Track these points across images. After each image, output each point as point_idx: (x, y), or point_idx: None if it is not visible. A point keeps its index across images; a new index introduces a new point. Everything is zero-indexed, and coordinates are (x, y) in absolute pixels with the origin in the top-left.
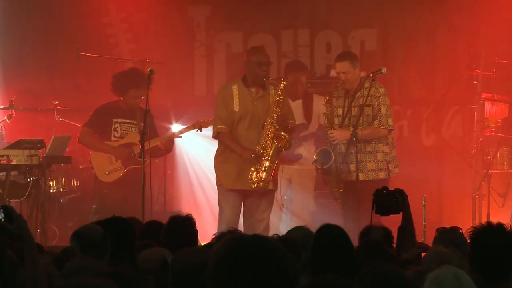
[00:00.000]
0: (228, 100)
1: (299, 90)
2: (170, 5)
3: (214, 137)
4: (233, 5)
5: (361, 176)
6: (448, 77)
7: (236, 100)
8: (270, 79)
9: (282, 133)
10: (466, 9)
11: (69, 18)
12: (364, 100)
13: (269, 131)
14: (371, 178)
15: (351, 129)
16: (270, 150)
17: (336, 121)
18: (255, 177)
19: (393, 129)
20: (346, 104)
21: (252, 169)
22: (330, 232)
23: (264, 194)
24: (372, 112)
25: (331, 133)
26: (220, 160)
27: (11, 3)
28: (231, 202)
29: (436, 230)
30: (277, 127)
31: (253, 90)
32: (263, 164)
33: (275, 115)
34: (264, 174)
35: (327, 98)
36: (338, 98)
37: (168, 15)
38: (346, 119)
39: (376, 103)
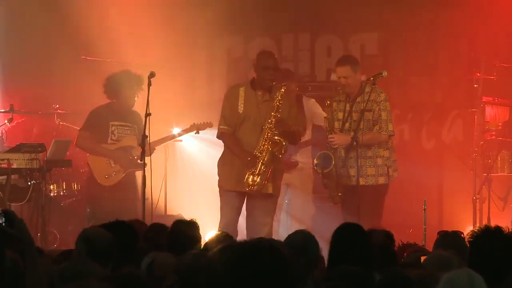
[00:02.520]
0: (233, 102)
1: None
2: (171, 9)
3: (218, 137)
4: (233, 9)
5: (361, 181)
6: (448, 81)
7: (241, 102)
8: (274, 84)
9: (276, 137)
10: (466, 13)
11: (70, 22)
12: (364, 105)
13: (267, 135)
14: (371, 183)
15: (352, 133)
16: (266, 155)
17: (337, 125)
18: (251, 180)
19: (393, 135)
20: (347, 108)
21: (249, 172)
22: (349, 230)
23: (265, 198)
24: (373, 117)
25: (332, 137)
26: (222, 161)
27: (12, 6)
28: (230, 204)
29: (438, 233)
30: (275, 131)
31: (259, 93)
32: (258, 168)
33: (274, 119)
34: (258, 178)
35: (329, 102)
36: (339, 102)
37: (169, 19)
38: (347, 124)
39: (377, 109)
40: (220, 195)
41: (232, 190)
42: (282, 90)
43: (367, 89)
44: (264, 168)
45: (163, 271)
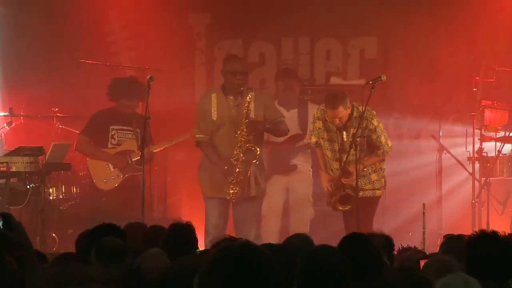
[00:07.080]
0: (207, 109)
1: (291, 97)
2: (170, 13)
3: (195, 145)
4: (233, 13)
5: (359, 193)
6: (448, 84)
7: (214, 108)
8: (242, 89)
9: (248, 145)
10: (466, 17)
11: (69, 26)
12: (360, 131)
13: (240, 143)
14: (369, 195)
15: (350, 147)
16: (241, 163)
17: (327, 145)
18: (231, 190)
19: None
20: (335, 130)
21: (229, 181)
22: (355, 240)
23: (249, 201)
24: (372, 142)
25: (348, 181)
26: (201, 168)
27: (12, 11)
28: (216, 210)
29: (444, 236)
30: (248, 138)
31: (231, 98)
32: (236, 177)
33: (244, 126)
34: (237, 187)
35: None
36: (324, 121)
37: (168, 23)
38: (344, 155)
39: (375, 136)
40: (204, 202)
41: (214, 197)
42: (250, 95)
43: (355, 114)
44: (242, 176)
45: (153, 273)
